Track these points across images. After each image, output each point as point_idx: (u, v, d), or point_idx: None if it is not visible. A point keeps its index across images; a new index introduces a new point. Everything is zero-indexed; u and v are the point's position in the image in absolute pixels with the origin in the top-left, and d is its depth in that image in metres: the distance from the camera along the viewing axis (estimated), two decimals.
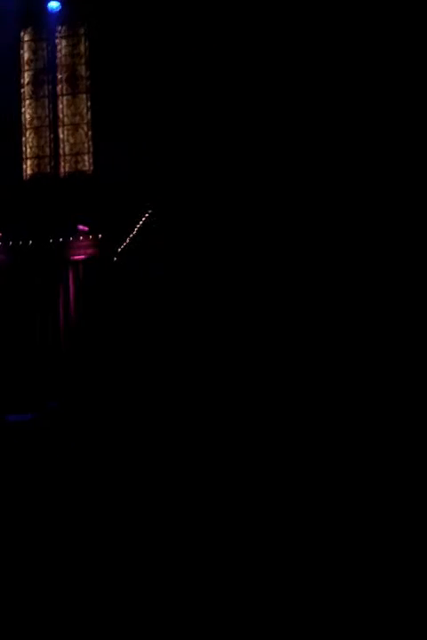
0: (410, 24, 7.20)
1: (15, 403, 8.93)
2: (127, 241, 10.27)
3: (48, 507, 4.88)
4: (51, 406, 8.66)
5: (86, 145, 10.73)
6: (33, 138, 10.88)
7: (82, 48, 10.66)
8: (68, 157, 10.80)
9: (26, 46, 10.79)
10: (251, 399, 6.97)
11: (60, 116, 10.78)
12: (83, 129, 10.75)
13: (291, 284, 7.68)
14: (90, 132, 10.69)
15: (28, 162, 10.86)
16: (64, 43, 10.70)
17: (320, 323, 7.36)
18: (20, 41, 10.70)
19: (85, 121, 10.74)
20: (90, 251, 10.40)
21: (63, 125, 10.80)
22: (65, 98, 10.78)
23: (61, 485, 5.33)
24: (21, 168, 10.78)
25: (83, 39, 10.65)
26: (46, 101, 10.84)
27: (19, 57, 10.70)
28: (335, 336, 7.10)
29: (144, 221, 10.07)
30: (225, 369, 7.65)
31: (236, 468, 5.17)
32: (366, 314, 6.96)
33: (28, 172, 10.84)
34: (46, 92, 10.82)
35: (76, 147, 10.77)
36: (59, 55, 10.70)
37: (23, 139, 10.84)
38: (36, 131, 10.89)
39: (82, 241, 10.36)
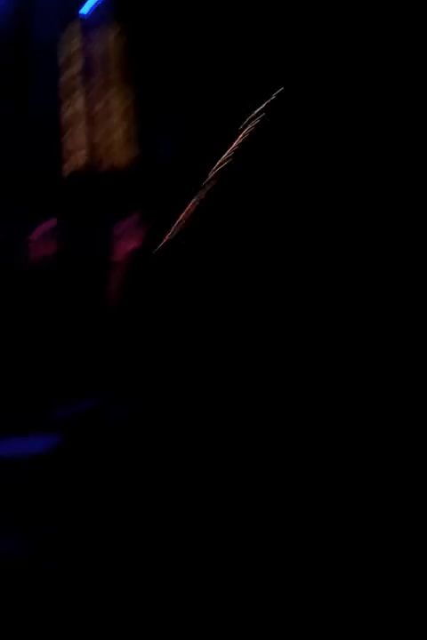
0: None
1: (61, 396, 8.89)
2: (172, 230, 10.25)
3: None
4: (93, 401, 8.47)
5: (127, 138, 10.71)
6: (74, 133, 10.90)
7: (121, 40, 10.64)
8: (108, 151, 10.81)
9: (65, 42, 10.80)
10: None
11: (101, 109, 10.79)
12: (124, 121, 10.74)
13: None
14: (131, 125, 10.67)
15: (70, 157, 10.89)
16: (103, 36, 10.70)
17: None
18: (59, 37, 10.72)
19: (126, 113, 10.73)
20: (134, 242, 10.39)
21: (104, 119, 10.81)
22: (105, 91, 10.79)
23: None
24: (63, 164, 10.81)
25: (121, 31, 10.63)
26: (86, 96, 10.85)
27: (59, 53, 10.74)
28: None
29: (188, 210, 10.03)
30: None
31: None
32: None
33: (70, 167, 10.86)
34: (86, 87, 10.83)
35: (115, 140, 10.77)
36: (98, 49, 10.70)
37: (64, 135, 10.87)
38: (77, 126, 10.91)
39: (125, 233, 10.37)
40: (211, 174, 9.39)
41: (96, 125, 10.77)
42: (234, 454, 5.59)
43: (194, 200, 10.21)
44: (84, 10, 10.52)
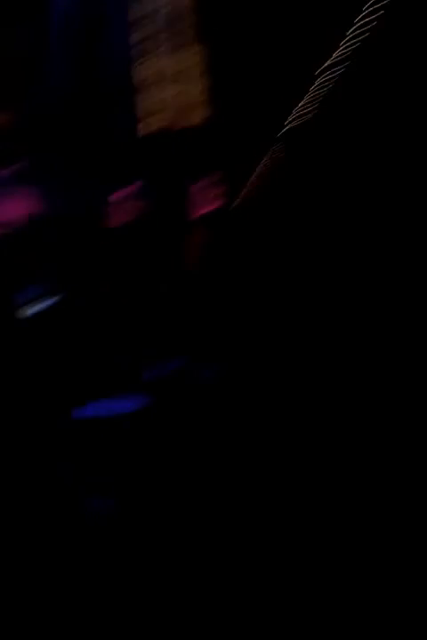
0: None
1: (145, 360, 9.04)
2: (246, 190, 10.30)
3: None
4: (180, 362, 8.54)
5: (200, 97, 10.72)
6: (146, 94, 10.97)
7: None
8: (181, 112, 10.84)
9: (138, 1, 10.82)
10: None
11: (173, 70, 10.81)
12: (196, 81, 10.74)
13: None
14: (204, 84, 10.67)
15: (143, 119, 10.97)
16: None
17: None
18: None
19: (198, 73, 10.72)
20: (208, 204, 10.47)
21: (176, 79, 10.83)
22: (177, 51, 10.79)
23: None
24: (136, 126, 10.91)
25: None
26: (158, 56, 10.87)
27: (131, 13, 10.78)
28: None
29: (262, 169, 10.05)
30: None
31: None
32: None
33: (143, 129, 10.95)
34: (158, 48, 10.86)
35: (189, 100, 10.78)
36: (168, 8, 10.69)
37: (137, 96, 10.95)
38: (149, 87, 10.97)
39: (202, 193, 10.44)
40: (281, 132, 9.38)
41: (171, 86, 10.81)
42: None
43: (265, 159, 10.22)
44: None
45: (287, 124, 9.20)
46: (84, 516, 4.45)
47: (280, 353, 7.45)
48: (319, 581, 3.46)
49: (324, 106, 8.33)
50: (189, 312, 10.05)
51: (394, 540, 3.67)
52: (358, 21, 6.81)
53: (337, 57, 7.81)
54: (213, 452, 5.27)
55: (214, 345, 8.60)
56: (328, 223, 8.33)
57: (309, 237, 8.67)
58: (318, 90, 8.32)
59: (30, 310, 8.77)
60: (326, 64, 8.02)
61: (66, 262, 10.23)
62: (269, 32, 9.48)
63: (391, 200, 6.63)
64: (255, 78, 9.61)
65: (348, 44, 7.31)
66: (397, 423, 4.93)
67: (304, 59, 8.95)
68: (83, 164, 10.11)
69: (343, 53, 7.47)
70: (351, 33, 7.04)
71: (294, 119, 9.05)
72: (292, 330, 7.89)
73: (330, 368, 6.34)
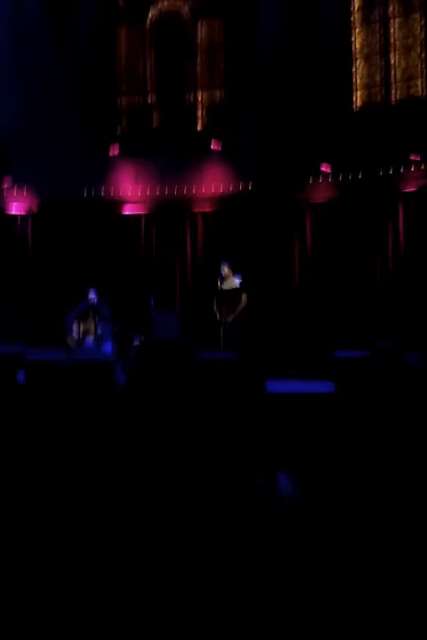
0: None
1: (343, 340, 8.68)
2: None
3: None
4: (382, 345, 8.19)
5: (420, 68, 10.06)
6: (363, 66, 10.50)
7: None
8: (399, 84, 10.27)
9: None
10: None
11: (392, 40, 10.24)
12: (416, 51, 10.11)
13: None
14: (423, 54, 9.98)
15: (358, 91, 10.53)
16: None
17: None
18: None
19: (419, 42, 10.06)
20: (422, 182, 9.77)
21: (395, 50, 10.26)
22: (396, 20, 10.20)
23: None
24: (351, 98, 10.45)
25: None
26: (377, 26, 10.35)
27: None
28: None
29: None
30: None
31: None
32: None
33: (358, 102, 10.51)
34: (377, 17, 10.32)
35: (408, 71, 10.19)
36: None
37: (353, 68, 10.50)
38: (367, 58, 10.49)
39: (414, 171, 9.78)
40: None
41: (390, 56, 10.21)
42: None
43: None
44: None
45: None
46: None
47: None
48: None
49: None
50: (396, 296, 9.50)
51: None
52: None
53: None
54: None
55: (420, 330, 8.12)
56: None
57: None
58: None
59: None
60: None
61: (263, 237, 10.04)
62: None
63: None
64: None
65: None
66: None
67: None
68: (291, 131, 9.79)
69: None
70: None
71: None
72: None
73: None
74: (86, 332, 8.29)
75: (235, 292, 8.62)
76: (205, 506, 3.87)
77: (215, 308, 8.66)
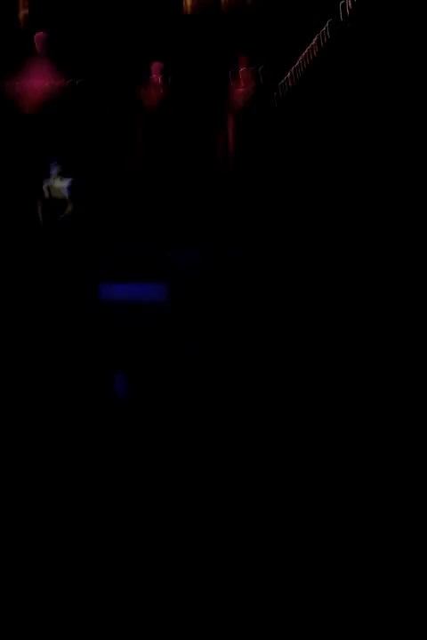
0: None
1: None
2: (291, 74, 9.81)
3: None
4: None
5: None
6: None
7: None
8: None
9: None
10: None
11: None
12: None
13: None
14: None
15: None
16: None
17: None
18: None
19: None
20: (251, 85, 10.03)
21: None
22: None
23: None
24: (182, 1, 10.39)
25: None
26: None
27: None
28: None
29: (311, 51, 9.51)
30: None
31: None
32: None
33: (189, 4, 10.44)
34: None
35: None
36: None
37: None
38: None
39: (242, 74, 9.99)
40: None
41: None
42: None
43: (312, 43, 9.68)
44: None
45: None
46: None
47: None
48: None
49: None
50: (217, 204, 9.77)
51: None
52: None
53: None
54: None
55: (240, 239, 8.33)
56: None
57: None
58: None
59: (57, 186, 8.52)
60: None
61: (90, 137, 9.91)
62: None
63: None
64: None
65: None
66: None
67: None
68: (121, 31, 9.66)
69: None
70: None
71: None
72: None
73: None
74: None
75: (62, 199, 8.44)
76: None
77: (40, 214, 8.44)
